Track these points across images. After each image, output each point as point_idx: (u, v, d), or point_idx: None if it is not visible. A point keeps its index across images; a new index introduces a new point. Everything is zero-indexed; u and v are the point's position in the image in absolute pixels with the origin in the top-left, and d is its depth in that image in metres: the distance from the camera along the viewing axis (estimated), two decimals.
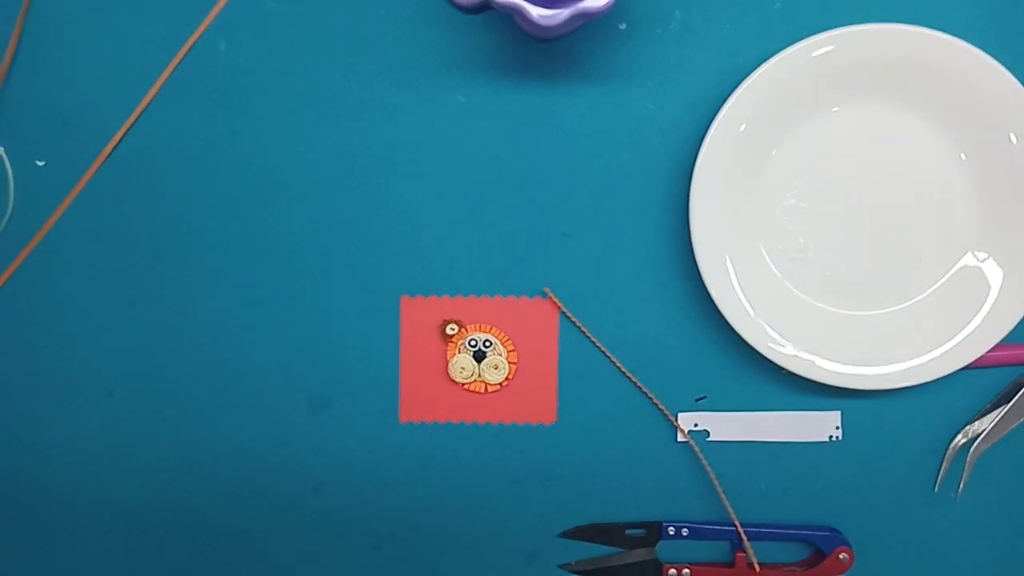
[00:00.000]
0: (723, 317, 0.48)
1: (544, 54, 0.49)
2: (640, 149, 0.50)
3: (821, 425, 0.51)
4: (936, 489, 0.52)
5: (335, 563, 0.55)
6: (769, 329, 0.48)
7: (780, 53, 0.45)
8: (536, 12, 0.40)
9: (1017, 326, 0.48)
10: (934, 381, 0.48)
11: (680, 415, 0.52)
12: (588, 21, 0.48)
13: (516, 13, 0.41)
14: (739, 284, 0.48)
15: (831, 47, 0.45)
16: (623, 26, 0.49)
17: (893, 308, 0.49)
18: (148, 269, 0.52)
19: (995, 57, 0.45)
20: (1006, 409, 0.50)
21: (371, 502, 0.54)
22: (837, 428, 0.51)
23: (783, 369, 0.49)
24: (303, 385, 0.53)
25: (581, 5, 0.40)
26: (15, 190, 0.52)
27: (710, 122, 0.46)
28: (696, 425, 0.52)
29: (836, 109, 0.47)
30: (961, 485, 0.51)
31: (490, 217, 0.51)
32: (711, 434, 0.52)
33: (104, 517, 0.55)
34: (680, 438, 0.52)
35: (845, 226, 0.48)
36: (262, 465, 0.54)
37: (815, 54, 0.45)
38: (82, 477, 0.55)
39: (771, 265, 0.49)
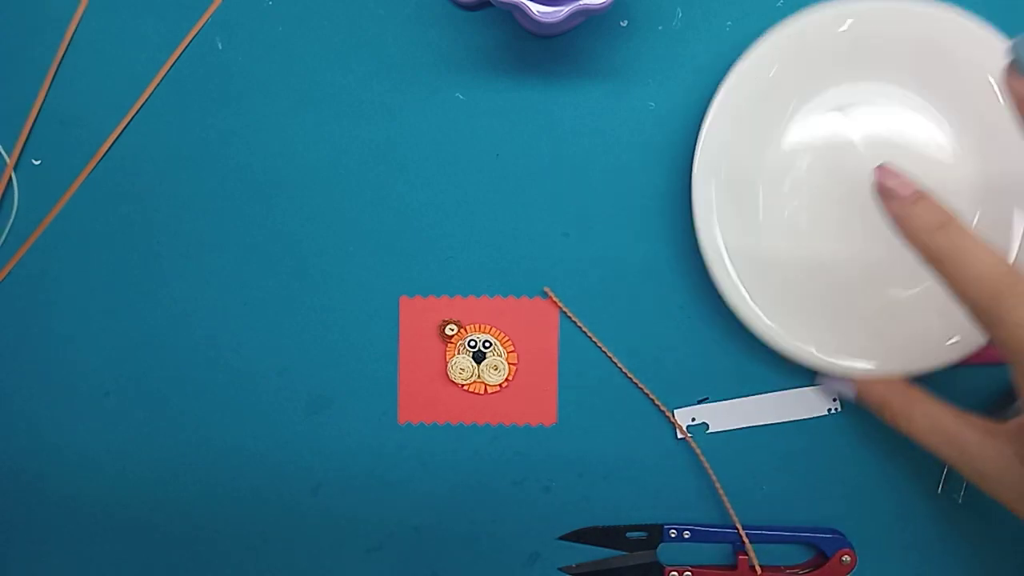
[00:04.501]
0: (727, 315, 0.48)
1: (544, 51, 0.49)
2: (641, 148, 0.49)
3: (819, 399, 0.51)
4: (940, 491, 0.52)
5: (334, 564, 0.54)
6: (773, 324, 0.48)
7: (769, 31, 0.45)
8: (536, 9, 0.40)
9: None
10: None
11: (676, 411, 0.51)
12: (589, 18, 0.48)
13: (516, 10, 0.40)
14: (741, 284, 0.48)
15: (833, 26, 0.45)
16: (624, 23, 0.48)
17: (898, 299, 0.48)
18: (145, 268, 0.52)
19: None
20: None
21: (370, 503, 0.54)
22: (835, 400, 0.51)
23: (786, 360, 0.49)
24: (301, 386, 0.53)
25: (582, 2, 0.40)
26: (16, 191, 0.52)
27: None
28: (694, 419, 0.51)
29: (838, 104, 0.47)
30: (965, 486, 0.51)
31: (489, 217, 0.50)
32: (710, 426, 0.51)
33: (101, 518, 0.55)
34: (679, 435, 0.51)
35: (849, 218, 0.48)
36: (260, 466, 0.54)
37: (812, 37, 0.45)
38: (79, 478, 0.54)
39: (775, 260, 0.48)
